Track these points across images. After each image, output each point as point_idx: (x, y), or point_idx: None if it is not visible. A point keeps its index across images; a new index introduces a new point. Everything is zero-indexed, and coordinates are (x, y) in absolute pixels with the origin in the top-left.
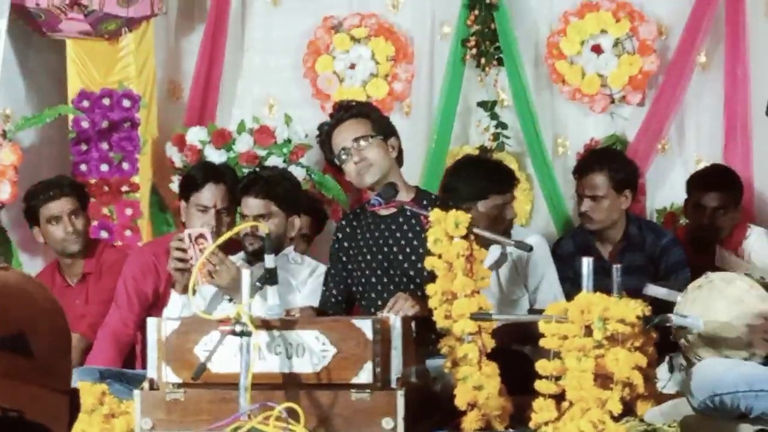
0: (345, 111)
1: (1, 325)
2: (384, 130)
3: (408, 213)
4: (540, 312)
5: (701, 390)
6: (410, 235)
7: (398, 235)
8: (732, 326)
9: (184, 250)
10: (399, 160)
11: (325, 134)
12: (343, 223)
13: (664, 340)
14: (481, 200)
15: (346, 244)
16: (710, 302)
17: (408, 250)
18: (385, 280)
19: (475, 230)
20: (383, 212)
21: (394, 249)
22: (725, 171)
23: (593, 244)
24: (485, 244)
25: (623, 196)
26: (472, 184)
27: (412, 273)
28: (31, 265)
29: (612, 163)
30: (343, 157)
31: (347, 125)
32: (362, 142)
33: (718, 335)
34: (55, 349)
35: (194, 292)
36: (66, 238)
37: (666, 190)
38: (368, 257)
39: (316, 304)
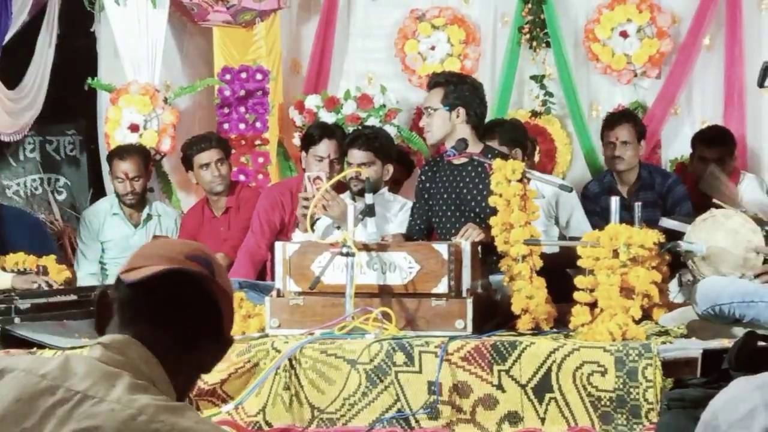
0: (430, 80)
1: (193, 248)
2: (454, 101)
3: (476, 162)
4: (578, 239)
5: (704, 300)
6: (477, 179)
7: (467, 179)
8: (729, 251)
9: (308, 199)
10: (471, 122)
11: None
12: (425, 169)
13: (676, 261)
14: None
15: (427, 185)
16: (713, 232)
17: (475, 191)
18: (457, 214)
19: (527, 173)
20: (456, 161)
21: (464, 190)
22: (723, 130)
23: (615, 185)
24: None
25: (640, 145)
26: None
27: (477, 209)
28: (186, 201)
29: (635, 118)
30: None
31: (429, 94)
32: (429, 111)
33: (718, 258)
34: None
35: (312, 219)
36: (213, 181)
37: (677, 144)
38: (444, 196)
39: (404, 231)
